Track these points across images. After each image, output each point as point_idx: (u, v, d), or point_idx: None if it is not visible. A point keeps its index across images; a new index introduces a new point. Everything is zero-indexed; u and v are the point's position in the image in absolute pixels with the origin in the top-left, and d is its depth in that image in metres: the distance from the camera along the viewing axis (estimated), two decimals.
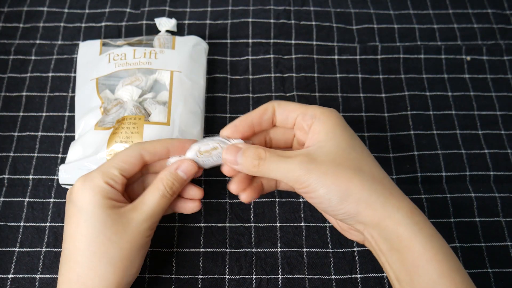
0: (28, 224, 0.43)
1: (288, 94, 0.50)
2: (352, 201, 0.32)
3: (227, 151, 0.35)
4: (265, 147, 0.36)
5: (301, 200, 0.45)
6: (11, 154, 0.47)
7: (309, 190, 0.33)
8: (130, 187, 0.38)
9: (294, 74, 0.52)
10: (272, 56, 0.53)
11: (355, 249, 0.42)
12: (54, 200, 0.44)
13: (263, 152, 0.34)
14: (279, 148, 0.39)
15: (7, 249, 0.42)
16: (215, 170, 0.39)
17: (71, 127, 0.48)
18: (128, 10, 0.56)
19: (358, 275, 0.41)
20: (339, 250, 0.42)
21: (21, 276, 0.41)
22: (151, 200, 0.35)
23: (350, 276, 0.41)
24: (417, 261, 0.32)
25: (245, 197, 0.37)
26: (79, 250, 0.33)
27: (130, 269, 0.35)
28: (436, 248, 0.32)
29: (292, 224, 0.43)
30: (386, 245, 0.33)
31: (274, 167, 0.34)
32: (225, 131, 0.37)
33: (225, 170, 0.37)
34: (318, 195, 0.33)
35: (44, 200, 0.44)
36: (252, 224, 0.43)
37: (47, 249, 0.42)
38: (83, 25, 0.55)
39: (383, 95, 0.51)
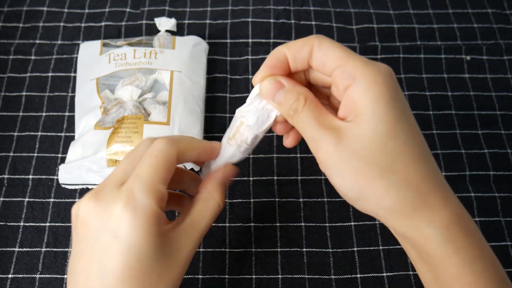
0: (28, 224, 0.43)
1: None
2: (370, 204, 0.27)
3: (269, 82, 0.29)
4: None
5: (301, 200, 0.45)
6: (11, 154, 0.47)
7: (325, 172, 0.28)
8: None
9: None
10: None
11: (355, 249, 0.42)
12: (54, 200, 0.44)
13: (302, 102, 0.28)
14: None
15: (7, 249, 0.42)
16: None
17: (71, 127, 0.48)
18: (128, 10, 0.56)
19: (358, 275, 0.41)
20: (339, 250, 0.42)
21: (20, 276, 0.41)
22: (203, 221, 0.30)
23: (350, 276, 0.41)
24: (451, 283, 0.27)
25: (288, 142, 0.33)
26: None
27: None
28: (477, 273, 0.26)
29: (292, 224, 0.43)
30: (414, 252, 0.29)
31: (302, 126, 0.28)
32: (258, 76, 0.30)
33: (278, 129, 0.32)
34: (333, 181, 0.28)
35: (44, 200, 0.44)
36: (252, 224, 0.43)
37: (47, 249, 0.42)
38: (83, 25, 0.55)
39: None
